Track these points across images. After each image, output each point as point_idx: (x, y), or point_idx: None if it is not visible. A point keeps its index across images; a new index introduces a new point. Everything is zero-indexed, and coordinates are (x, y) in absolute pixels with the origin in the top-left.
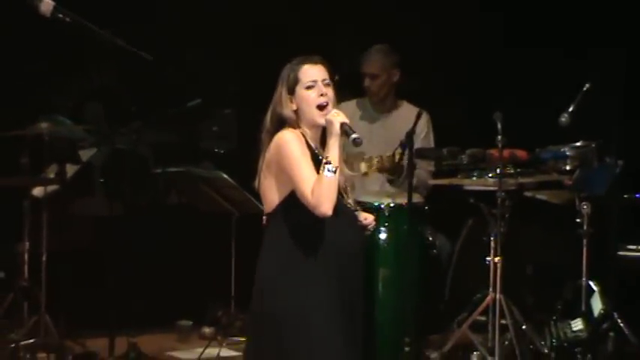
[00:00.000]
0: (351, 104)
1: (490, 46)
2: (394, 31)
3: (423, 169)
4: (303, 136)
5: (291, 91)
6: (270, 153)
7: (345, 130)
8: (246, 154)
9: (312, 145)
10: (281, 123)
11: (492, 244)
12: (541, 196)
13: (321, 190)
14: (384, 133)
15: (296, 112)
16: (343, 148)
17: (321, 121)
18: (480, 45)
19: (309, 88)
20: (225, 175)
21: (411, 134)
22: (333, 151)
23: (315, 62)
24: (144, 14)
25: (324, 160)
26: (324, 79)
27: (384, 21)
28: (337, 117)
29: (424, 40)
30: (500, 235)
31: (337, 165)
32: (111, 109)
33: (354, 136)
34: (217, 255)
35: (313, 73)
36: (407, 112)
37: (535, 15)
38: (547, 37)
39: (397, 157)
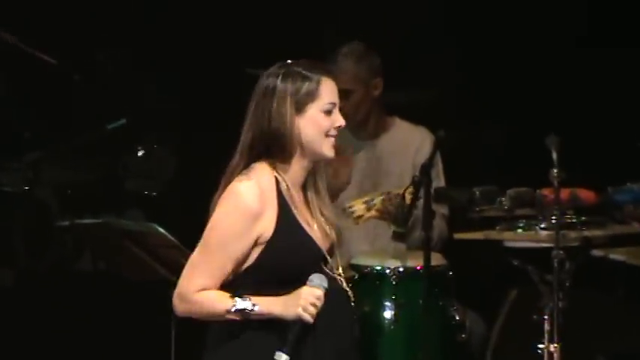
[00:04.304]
0: None
1: (539, 43)
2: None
3: (438, 216)
4: (278, 182)
5: (299, 109)
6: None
7: (288, 337)
8: (191, 198)
9: (287, 194)
10: (267, 148)
11: (546, 325)
12: (616, 255)
13: (198, 306)
14: (372, 167)
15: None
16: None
17: (329, 154)
18: (522, 41)
19: (327, 113)
20: (160, 229)
21: (428, 167)
22: (266, 307)
23: (334, 77)
24: (47, 2)
25: (244, 296)
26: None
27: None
28: (306, 313)
29: (441, 41)
30: (557, 313)
31: (256, 311)
32: None
33: (279, 353)
34: (150, 344)
35: (335, 93)
36: (402, 133)
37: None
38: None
39: (408, 198)
